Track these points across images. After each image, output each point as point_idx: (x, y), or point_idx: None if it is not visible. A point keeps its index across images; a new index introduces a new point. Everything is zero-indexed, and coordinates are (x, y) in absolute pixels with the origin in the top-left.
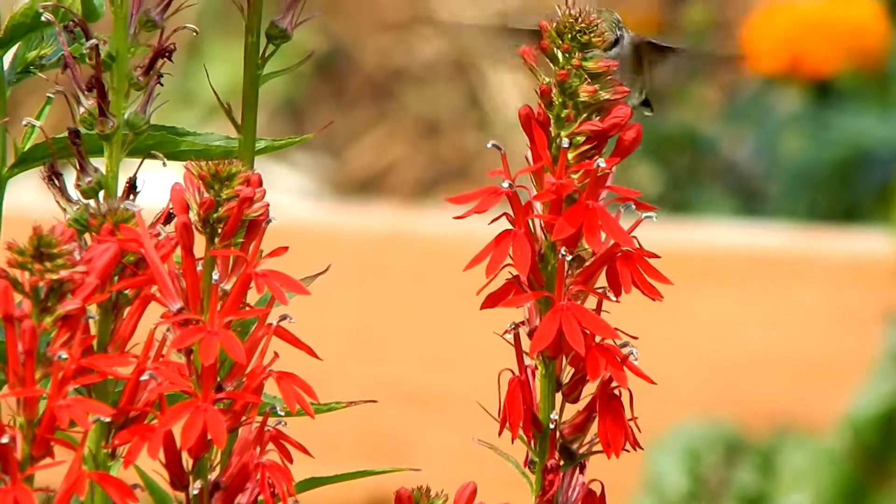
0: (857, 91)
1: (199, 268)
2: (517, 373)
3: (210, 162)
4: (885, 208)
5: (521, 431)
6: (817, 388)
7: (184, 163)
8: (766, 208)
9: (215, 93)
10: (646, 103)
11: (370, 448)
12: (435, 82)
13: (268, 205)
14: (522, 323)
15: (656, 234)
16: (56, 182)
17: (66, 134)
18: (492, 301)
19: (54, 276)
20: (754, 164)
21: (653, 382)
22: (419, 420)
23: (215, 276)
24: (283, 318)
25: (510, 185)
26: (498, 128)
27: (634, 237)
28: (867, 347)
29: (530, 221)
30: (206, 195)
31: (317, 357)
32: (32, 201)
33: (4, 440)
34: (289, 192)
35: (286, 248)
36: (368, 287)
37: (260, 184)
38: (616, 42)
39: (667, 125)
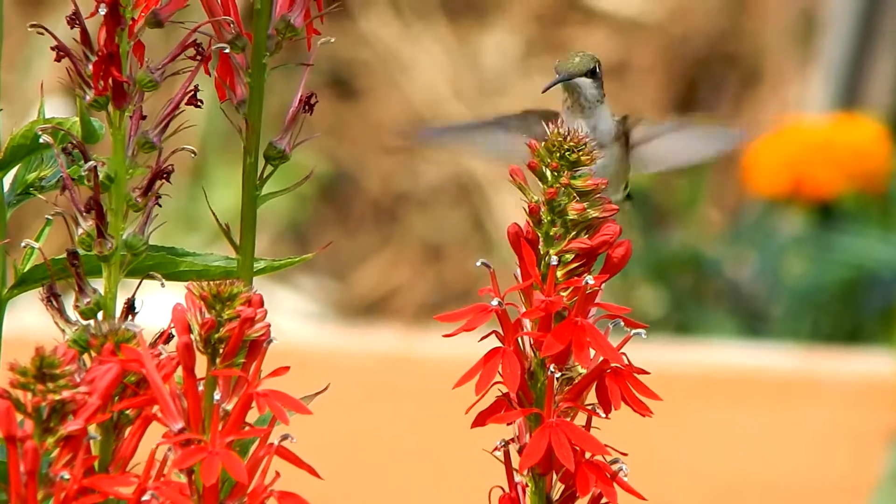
0: (859, 213)
1: (201, 388)
2: (507, 490)
3: (212, 282)
4: (888, 330)
5: None
6: None
7: (184, 283)
8: (769, 329)
9: (213, 214)
10: (628, 196)
11: None
12: (439, 205)
13: (269, 325)
14: (512, 440)
15: (659, 354)
16: (55, 303)
17: (65, 255)
18: (481, 419)
19: (56, 397)
20: (757, 286)
21: (643, 498)
22: None
23: (217, 396)
24: (285, 437)
25: (499, 303)
26: (502, 250)
27: (624, 353)
28: (870, 469)
29: (519, 339)
30: (207, 315)
31: (318, 476)
32: (34, 322)
33: None
34: (292, 315)
35: (287, 368)
36: (371, 408)
37: (261, 304)
38: (594, 74)
39: (670, 246)
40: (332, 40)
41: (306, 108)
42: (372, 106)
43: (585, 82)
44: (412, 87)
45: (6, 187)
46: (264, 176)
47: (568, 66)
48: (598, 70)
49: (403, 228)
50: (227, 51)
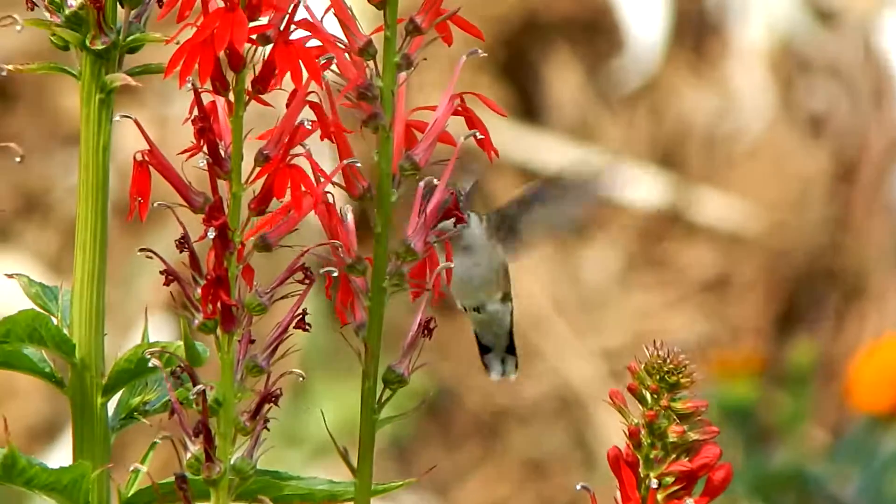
0: None
1: None
2: None
3: None
4: None
5: None
6: None
7: None
8: None
9: (332, 438)
10: (510, 348)
11: None
12: (539, 421)
13: None
14: None
15: None
16: None
17: (171, 479)
18: None
19: None
20: None
21: None
22: None
23: None
24: None
25: None
26: (604, 466)
27: None
28: None
29: None
30: None
31: None
32: None
33: None
34: None
35: None
36: None
37: None
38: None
39: (772, 464)
40: (452, 265)
41: (425, 332)
42: None
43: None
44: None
45: (110, 412)
46: (382, 400)
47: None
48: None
49: (504, 444)
50: (334, 274)
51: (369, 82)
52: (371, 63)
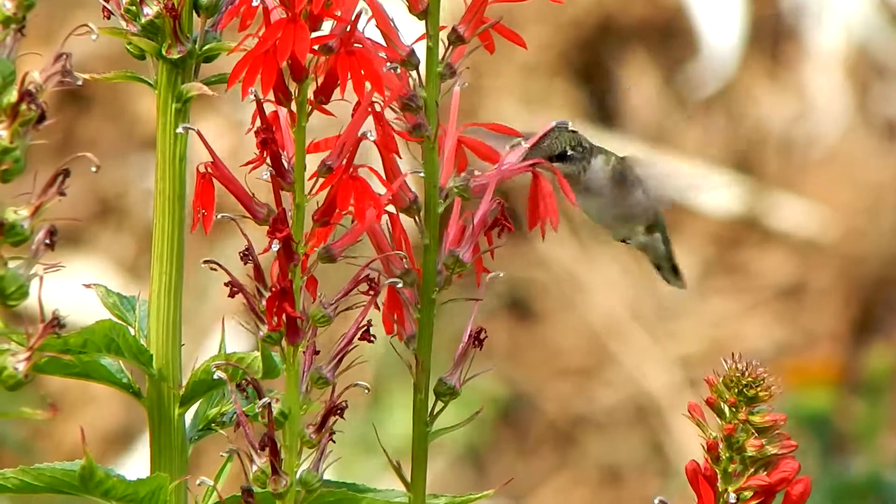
0: None
1: None
2: None
3: None
4: None
5: None
6: None
7: None
8: None
9: (385, 452)
10: (673, 269)
11: None
12: (617, 429)
13: None
14: None
15: None
16: None
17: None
18: None
19: None
20: None
21: None
22: None
23: None
24: None
25: None
26: (681, 475)
27: None
28: None
29: None
30: None
31: None
32: None
33: None
34: None
35: None
36: None
37: None
38: (566, 157)
39: (849, 473)
40: (501, 275)
41: (476, 343)
42: (549, 328)
43: (558, 166)
44: (589, 309)
45: (187, 422)
46: (434, 412)
47: (535, 152)
48: (568, 151)
49: (581, 452)
50: (399, 286)
51: (413, 93)
52: (414, 73)
